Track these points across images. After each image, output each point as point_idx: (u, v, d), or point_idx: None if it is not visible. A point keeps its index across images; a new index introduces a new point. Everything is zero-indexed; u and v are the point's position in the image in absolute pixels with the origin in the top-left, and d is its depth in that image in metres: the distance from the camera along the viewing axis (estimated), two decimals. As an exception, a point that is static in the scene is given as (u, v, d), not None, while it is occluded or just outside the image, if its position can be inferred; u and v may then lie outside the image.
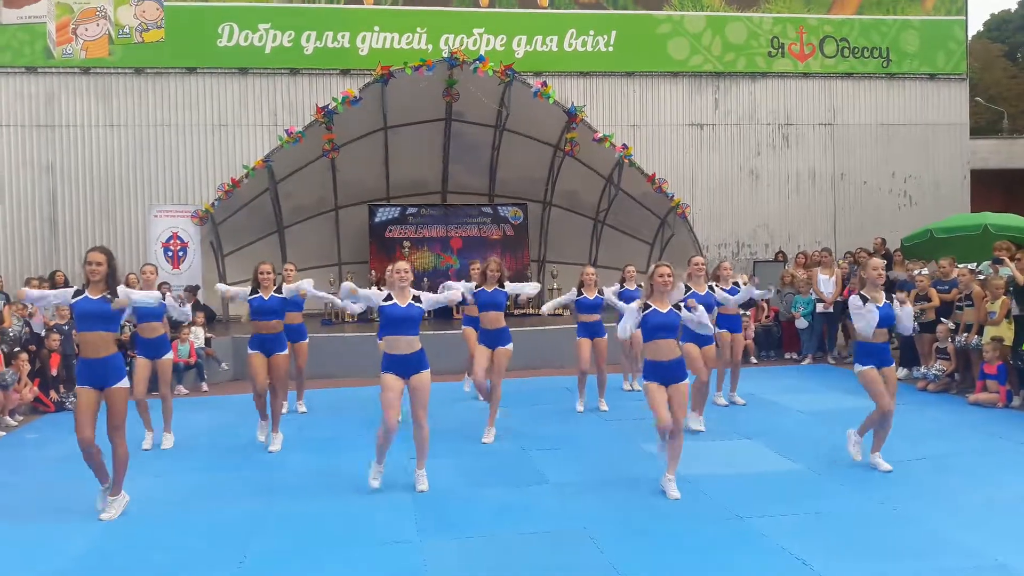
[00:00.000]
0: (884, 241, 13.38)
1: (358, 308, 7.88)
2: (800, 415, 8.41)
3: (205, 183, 15.34)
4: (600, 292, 8.63)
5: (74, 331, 5.61)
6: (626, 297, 9.03)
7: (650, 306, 5.82)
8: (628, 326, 5.85)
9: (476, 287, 7.70)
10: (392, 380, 5.84)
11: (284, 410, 8.51)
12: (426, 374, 5.93)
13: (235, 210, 13.30)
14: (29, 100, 15.04)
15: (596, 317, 8.75)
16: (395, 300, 5.91)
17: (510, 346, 7.56)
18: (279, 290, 7.42)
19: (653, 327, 5.78)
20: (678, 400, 5.73)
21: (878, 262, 6.35)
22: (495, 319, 7.52)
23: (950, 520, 5.17)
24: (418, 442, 5.99)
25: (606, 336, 8.77)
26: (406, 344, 5.86)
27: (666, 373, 5.75)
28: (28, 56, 14.93)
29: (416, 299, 5.95)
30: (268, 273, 7.24)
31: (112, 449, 5.47)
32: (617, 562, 4.59)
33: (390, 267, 6.35)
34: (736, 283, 8.70)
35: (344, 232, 15.04)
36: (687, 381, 5.84)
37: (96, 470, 5.51)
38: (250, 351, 7.25)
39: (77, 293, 5.46)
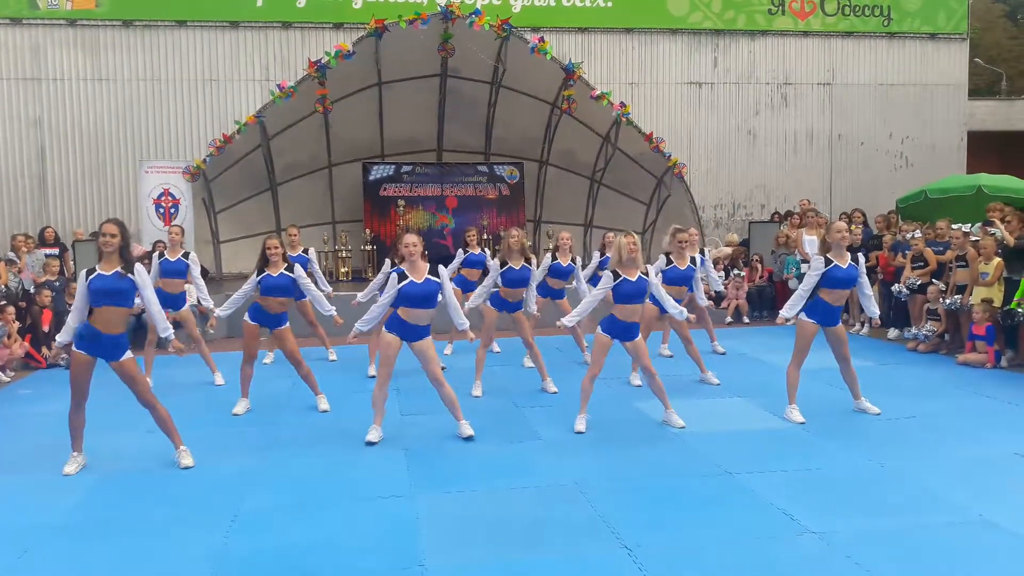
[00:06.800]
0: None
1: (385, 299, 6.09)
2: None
3: (196, 139, 15.17)
4: (573, 260, 8.64)
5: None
6: (606, 265, 9.08)
7: (619, 275, 6.11)
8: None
9: (502, 265, 7.55)
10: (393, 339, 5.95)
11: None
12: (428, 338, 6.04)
13: (227, 167, 13.16)
14: (14, 52, 14.77)
15: (565, 284, 8.81)
16: (411, 277, 5.87)
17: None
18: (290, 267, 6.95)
19: (626, 294, 6.16)
20: (640, 351, 6.33)
21: (841, 225, 6.62)
22: (518, 294, 7.70)
23: (937, 477, 5.23)
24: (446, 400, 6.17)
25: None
26: (427, 316, 5.98)
27: (624, 331, 6.24)
28: (12, 7, 14.61)
29: (434, 272, 5.94)
30: (277, 248, 6.93)
31: (151, 414, 5.61)
32: (608, 516, 4.64)
33: (403, 241, 6.00)
34: (702, 250, 8.75)
35: (338, 190, 14.91)
36: (639, 337, 6.37)
37: (75, 433, 5.55)
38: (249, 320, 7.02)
39: (88, 272, 5.32)
